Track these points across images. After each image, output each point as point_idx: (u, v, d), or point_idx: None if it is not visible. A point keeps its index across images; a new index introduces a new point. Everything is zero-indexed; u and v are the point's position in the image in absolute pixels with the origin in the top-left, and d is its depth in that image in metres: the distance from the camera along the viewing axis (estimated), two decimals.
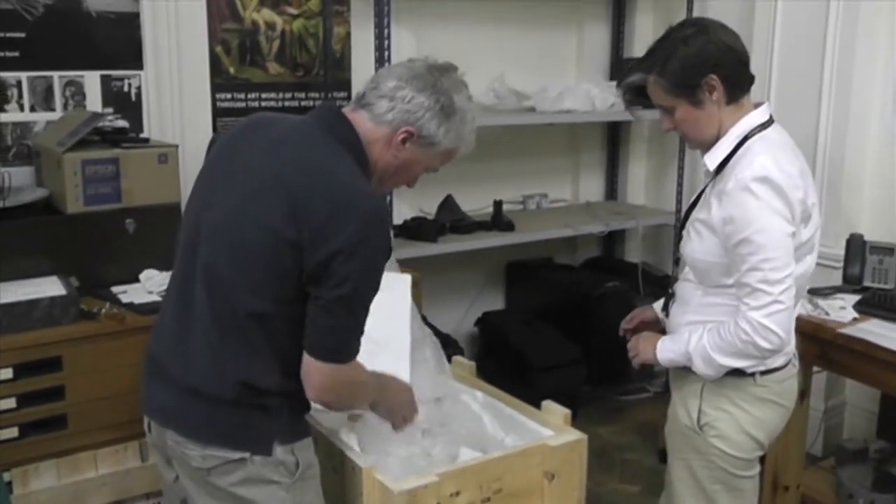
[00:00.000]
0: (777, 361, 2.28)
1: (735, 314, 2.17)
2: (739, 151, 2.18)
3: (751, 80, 2.24)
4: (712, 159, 2.23)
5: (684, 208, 2.44)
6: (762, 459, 2.43)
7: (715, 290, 2.26)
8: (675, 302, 2.40)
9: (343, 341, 1.93)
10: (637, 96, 2.33)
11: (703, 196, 2.32)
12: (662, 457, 2.63)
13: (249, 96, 3.96)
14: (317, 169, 1.87)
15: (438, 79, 2.00)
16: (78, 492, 2.75)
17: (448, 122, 1.99)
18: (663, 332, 2.47)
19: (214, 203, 1.93)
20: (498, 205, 4.38)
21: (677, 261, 2.40)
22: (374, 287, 1.91)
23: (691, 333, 2.26)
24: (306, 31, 4.06)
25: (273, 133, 1.97)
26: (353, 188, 1.86)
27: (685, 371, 2.32)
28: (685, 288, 2.35)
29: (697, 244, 2.24)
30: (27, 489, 2.66)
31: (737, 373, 2.24)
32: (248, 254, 1.84)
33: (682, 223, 2.40)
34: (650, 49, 2.25)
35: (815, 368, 3.26)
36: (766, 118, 2.23)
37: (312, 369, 1.91)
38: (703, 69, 2.15)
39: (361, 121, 1.97)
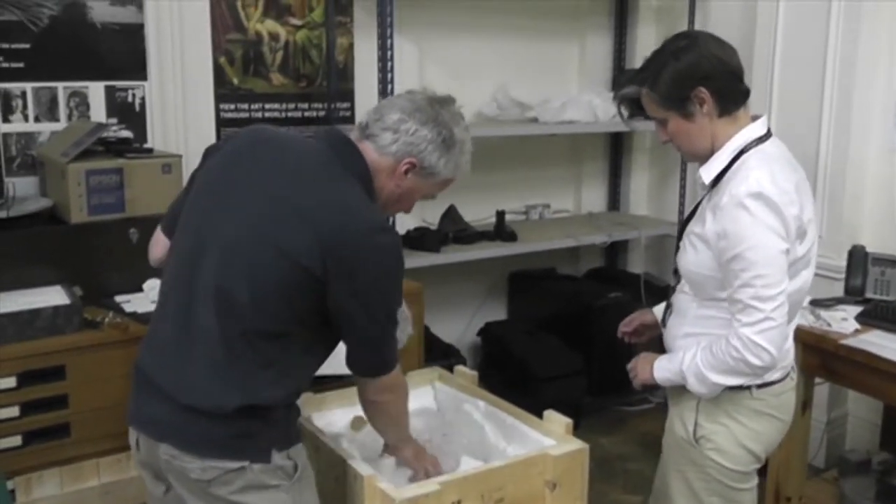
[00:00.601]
0: (774, 375, 2.27)
1: (730, 327, 2.17)
2: (735, 165, 2.19)
3: (745, 93, 2.23)
4: (708, 173, 2.24)
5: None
6: (763, 471, 2.42)
7: (710, 303, 2.26)
8: (672, 314, 2.40)
9: (383, 356, 2.05)
10: (633, 108, 2.35)
11: (699, 209, 2.32)
12: None
13: (253, 107, 3.98)
14: (339, 203, 1.93)
15: (439, 112, 2.07)
16: (80, 500, 2.75)
17: (448, 153, 2.07)
18: (660, 338, 2.48)
19: (225, 222, 1.95)
20: (500, 215, 4.38)
21: (676, 272, 2.40)
22: (398, 302, 2.03)
23: (685, 352, 2.26)
24: (310, 42, 4.08)
25: (287, 156, 2.02)
26: (373, 223, 1.94)
27: (682, 385, 2.32)
28: (681, 300, 2.36)
29: (692, 257, 2.24)
30: (30, 497, 2.66)
31: (733, 386, 2.24)
32: (268, 281, 1.88)
33: (678, 235, 2.40)
34: (644, 62, 2.28)
35: (818, 380, 3.27)
36: (763, 131, 2.23)
37: (363, 384, 2.09)
38: (692, 82, 2.16)
39: (367, 151, 2.04)
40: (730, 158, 2.20)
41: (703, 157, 2.26)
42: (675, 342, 2.35)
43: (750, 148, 2.20)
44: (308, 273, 1.86)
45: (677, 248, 2.39)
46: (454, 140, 2.07)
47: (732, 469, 2.30)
